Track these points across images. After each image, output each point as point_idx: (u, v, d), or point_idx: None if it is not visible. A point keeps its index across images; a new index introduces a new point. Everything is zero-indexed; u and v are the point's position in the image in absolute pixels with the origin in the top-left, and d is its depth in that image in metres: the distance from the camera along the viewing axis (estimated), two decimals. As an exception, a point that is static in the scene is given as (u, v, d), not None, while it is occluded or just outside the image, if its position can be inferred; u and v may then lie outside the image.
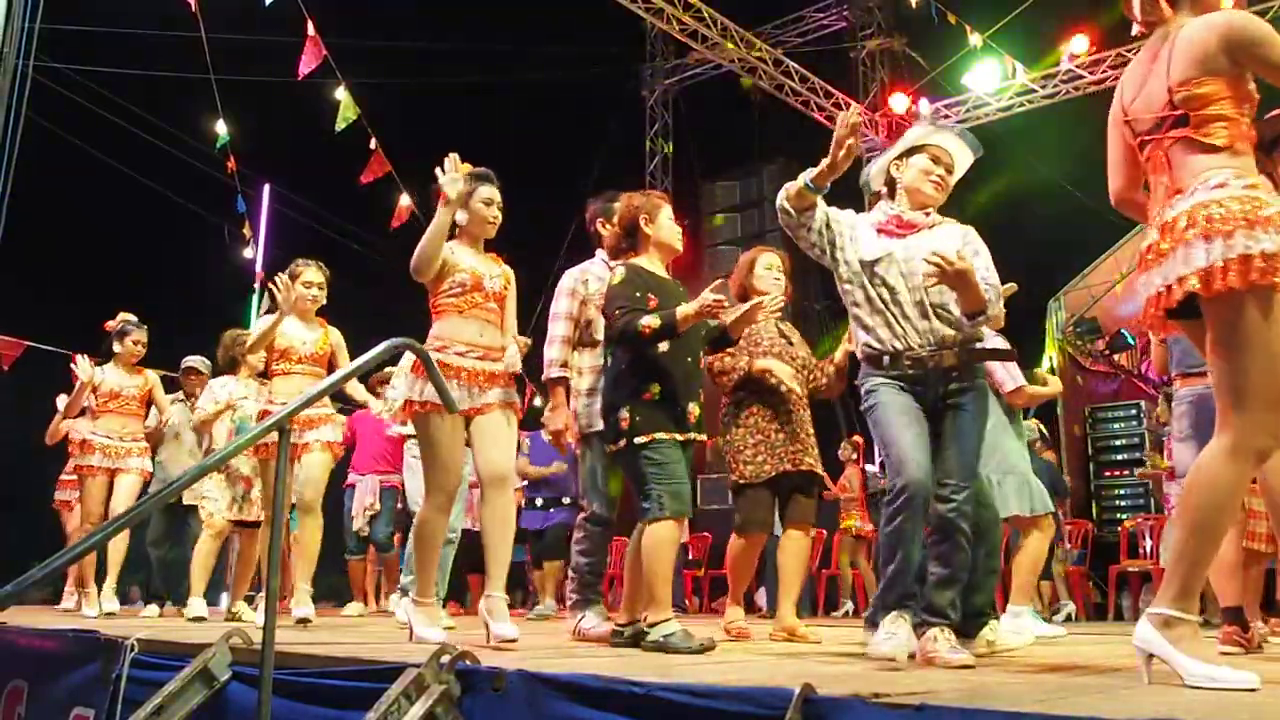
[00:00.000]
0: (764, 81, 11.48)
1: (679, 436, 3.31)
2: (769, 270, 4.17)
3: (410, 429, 5.24)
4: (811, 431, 4.17)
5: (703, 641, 3.08)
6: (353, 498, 7.26)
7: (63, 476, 7.02)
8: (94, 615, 5.33)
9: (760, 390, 4.05)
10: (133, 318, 5.83)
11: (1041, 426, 7.57)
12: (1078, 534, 8.36)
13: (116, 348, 5.72)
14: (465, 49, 10.93)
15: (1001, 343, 4.31)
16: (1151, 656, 2.13)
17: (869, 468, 8.70)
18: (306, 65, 8.05)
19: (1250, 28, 2.20)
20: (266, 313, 5.07)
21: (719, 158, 12.65)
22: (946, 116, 11.57)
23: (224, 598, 6.03)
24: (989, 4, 10.39)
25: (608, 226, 4.17)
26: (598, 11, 10.60)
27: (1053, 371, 7.95)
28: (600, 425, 3.95)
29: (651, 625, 3.17)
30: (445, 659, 2.23)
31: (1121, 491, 9.64)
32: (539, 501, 7.15)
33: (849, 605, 8.47)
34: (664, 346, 3.33)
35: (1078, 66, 10.61)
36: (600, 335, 4.01)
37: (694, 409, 3.39)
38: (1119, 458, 9.57)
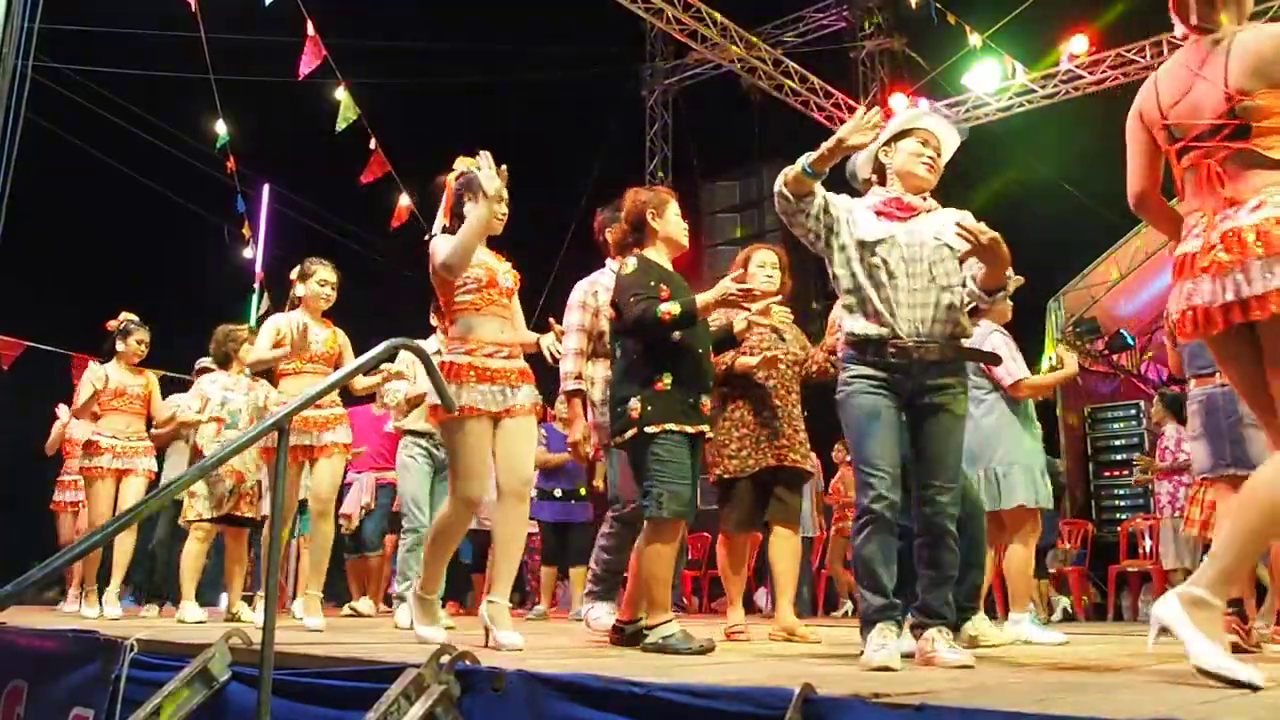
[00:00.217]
0: (763, 82, 11.48)
1: (690, 429, 3.25)
2: (762, 268, 4.19)
3: (413, 424, 5.24)
4: (801, 427, 4.17)
5: (702, 643, 3.08)
6: (347, 496, 7.23)
7: (63, 477, 6.97)
8: (94, 615, 5.32)
9: (745, 384, 4.04)
10: (135, 317, 5.80)
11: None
12: (1077, 534, 8.37)
13: (119, 346, 5.69)
14: (465, 49, 10.92)
15: (1002, 341, 4.33)
16: (1164, 631, 2.11)
17: None
18: (306, 65, 8.05)
19: None
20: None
21: (719, 158, 12.65)
22: (946, 116, 11.57)
23: (224, 598, 6.01)
24: (988, 4, 10.39)
25: (611, 235, 4.18)
26: (597, 11, 10.60)
27: (1052, 370, 7.93)
28: None
29: (651, 627, 3.16)
30: (445, 659, 2.23)
31: (1121, 491, 9.65)
32: (557, 493, 6.83)
33: (848, 605, 8.47)
34: (676, 336, 3.30)
35: (1077, 67, 10.60)
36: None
37: (706, 401, 3.35)
38: (1118, 458, 9.57)
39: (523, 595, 9.05)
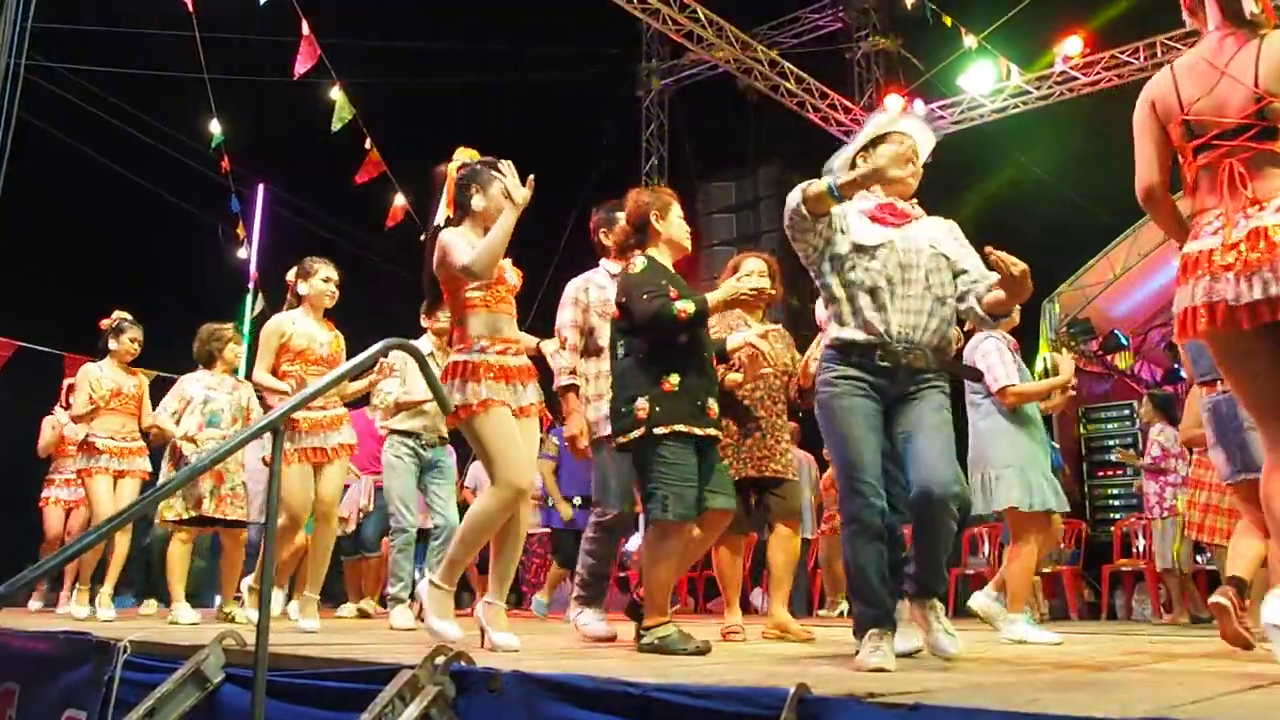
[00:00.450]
0: (759, 82, 11.48)
1: (698, 431, 3.22)
2: (750, 276, 4.18)
3: (399, 424, 5.21)
4: (785, 438, 4.19)
5: (699, 643, 3.09)
6: (344, 497, 7.21)
7: (52, 475, 6.84)
8: (84, 615, 5.29)
9: (730, 397, 4.02)
10: (128, 315, 5.74)
11: None
12: (1071, 534, 8.39)
13: (112, 345, 5.63)
14: (461, 49, 10.92)
15: (994, 347, 4.34)
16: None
17: None
18: (301, 65, 8.05)
19: None
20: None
21: (715, 158, 12.65)
22: (941, 117, 11.60)
23: (218, 599, 5.99)
24: (984, 5, 10.41)
25: (611, 236, 4.18)
26: (593, 12, 10.60)
27: (1045, 375, 7.94)
28: (609, 430, 3.97)
29: (648, 628, 3.17)
30: (440, 660, 2.23)
31: (1115, 491, 9.68)
32: (577, 500, 6.81)
33: (844, 606, 8.47)
34: (684, 338, 3.28)
35: (1072, 68, 10.63)
36: (604, 341, 4.02)
37: (714, 405, 3.31)
38: (1112, 458, 9.59)
39: (519, 597, 9.05)
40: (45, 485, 6.94)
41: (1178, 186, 2.57)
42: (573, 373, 4.08)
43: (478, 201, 3.40)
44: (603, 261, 4.25)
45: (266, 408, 5.22)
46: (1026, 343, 9.74)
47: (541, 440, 4.06)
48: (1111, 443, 9.68)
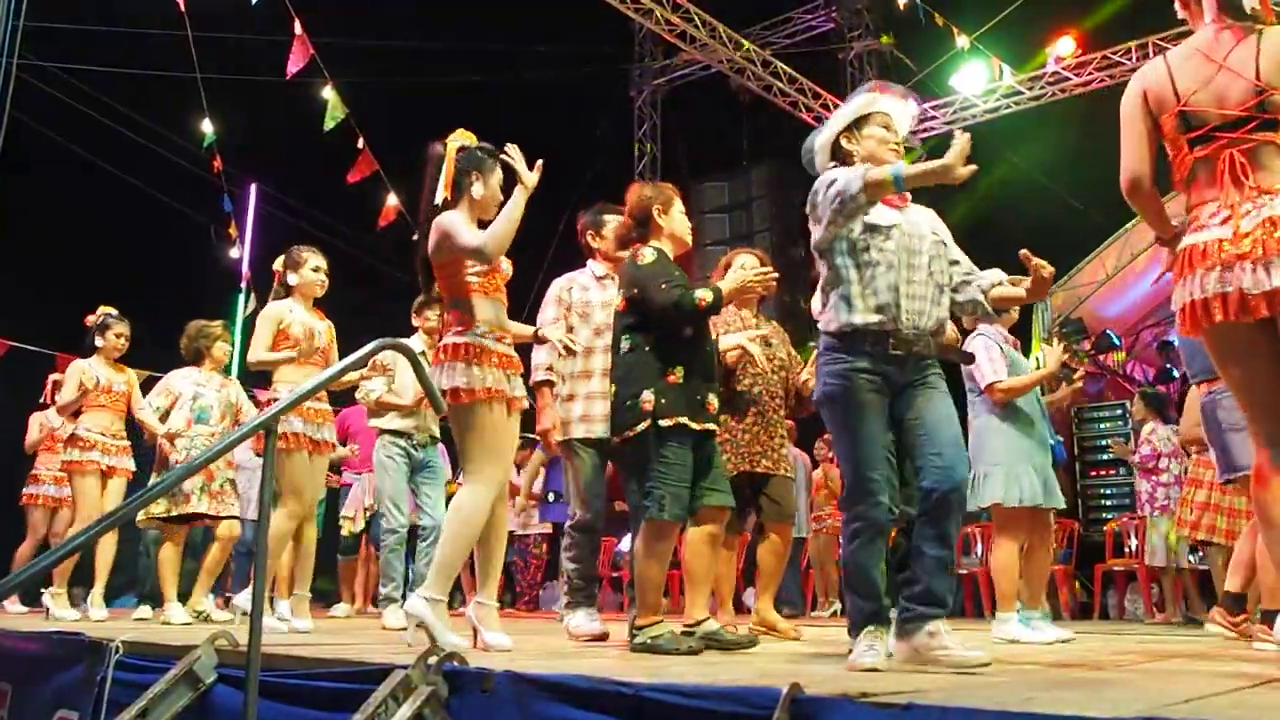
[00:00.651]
0: (752, 82, 11.49)
1: (696, 426, 3.21)
2: (742, 271, 4.19)
3: (390, 424, 5.19)
4: (781, 433, 4.20)
5: (691, 643, 3.09)
6: (347, 497, 7.19)
7: (38, 471, 6.72)
8: (74, 617, 5.25)
9: (729, 391, 4.05)
10: (114, 311, 5.66)
11: None
12: (1063, 533, 8.40)
13: (99, 341, 5.57)
14: (455, 48, 10.91)
15: (983, 345, 4.35)
16: None
17: None
18: (294, 65, 8.03)
19: None
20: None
21: (707, 158, 12.66)
22: (934, 118, 11.63)
23: (211, 598, 5.96)
24: (976, 6, 10.44)
25: (598, 239, 4.19)
26: (586, 12, 10.60)
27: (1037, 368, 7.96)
28: (581, 432, 3.97)
29: (640, 627, 3.17)
30: (433, 660, 2.22)
31: (1107, 491, 9.70)
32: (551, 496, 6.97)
33: (835, 606, 8.48)
34: (689, 331, 3.29)
35: (1064, 69, 10.66)
36: (579, 343, 4.03)
37: (714, 400, 3.31)
38: (1104, 458, 9.61)
39: (513, 596, 9.04)
40: (29, 482, 6.86)
41: (1167, 187, 2.56)
42: (549, 369, 4.09)
43: (477, 189, 3.34)
44: (589, 263, 4.25)
45: (260, 405, 5.20)
46: (1020, 341, 9.77)
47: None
48: (1104, 442, 9.70)
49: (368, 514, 7.00)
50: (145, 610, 5.65)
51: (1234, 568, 4.09)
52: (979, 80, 11.13)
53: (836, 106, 11.62)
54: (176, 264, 10.63)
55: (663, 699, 1.86)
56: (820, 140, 2.94)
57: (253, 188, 11.82)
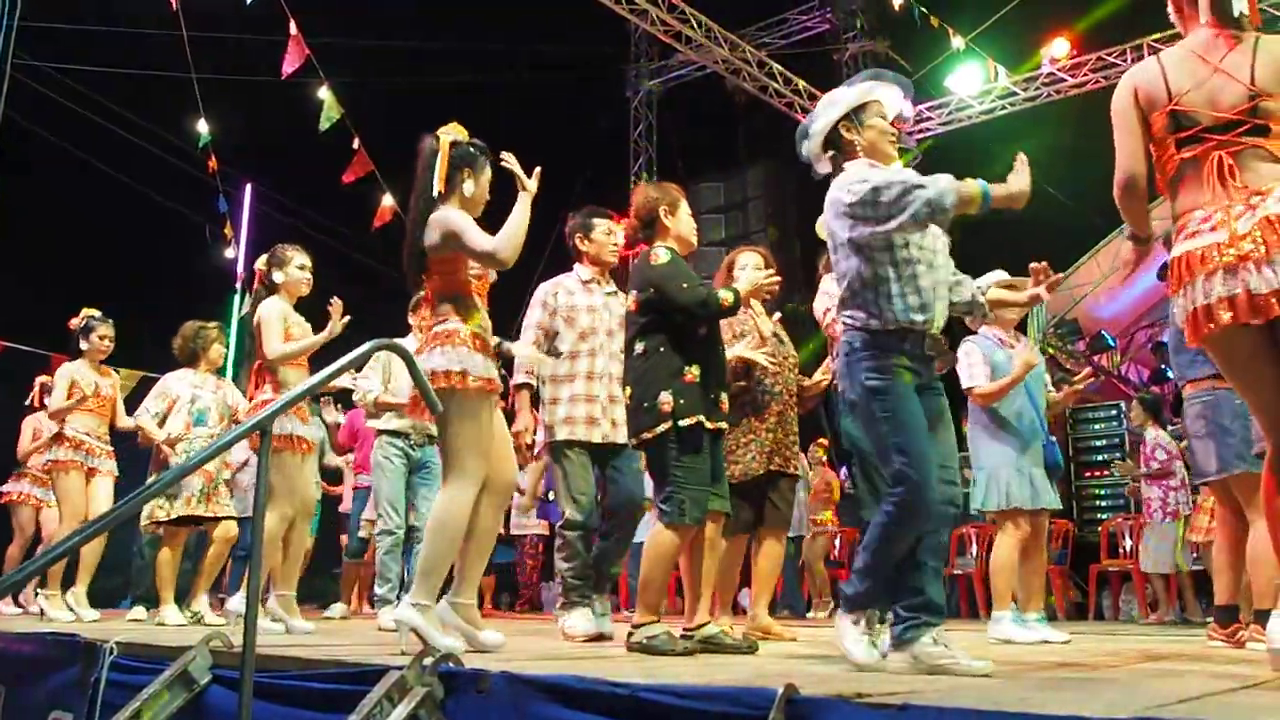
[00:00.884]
0: (747, 83, 11.50)
1: (710, 425, 3.23)
2: (743, 271, 4.19)
3: (388, 424, 5.18)
4: (795, 431, 4.21)
5: (687, 644, 3.09)
6: (358, 500, 7.12)
7: (29, 469, 6.71)
8: (70, 618, 5.23)
9: (750, 389, 4.06)
10: (97, 312, 5.63)
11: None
12: (1058, 534, 8.42)
13: (84, 345, 5.54)
14: (453, 49, 10.91)
15: (969, 348, 4.37)
16: None
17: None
18: (290, 65, 8.02)
19: None
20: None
21: (703, 159, 12.66)
22: (929, 119, 11.64)
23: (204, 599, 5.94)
24: (971, 7, 10.46)
25: (586, 242, 4.20)
26: (581, 13, 10.59)
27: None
28: (565, 434, 3.98)
29: (637, 626, 3.17)
30: (428, 661, 2.22)
31: (1102, 492, 9.70)
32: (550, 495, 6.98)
33: (832, 605, 8.49)
34: (703, 330, 3.30)
35: (1058, 70, 10.68)
36: (566, 346, 4.05)
37: (724, 398, 3.34)
38: (1099, 458, 9.63)
39: (513, 598, 9.03)
40: (14, 479, 6.79)
41: (1153, 195, 2.56)
42: (529, 372, 4.10)
43: (469, 186, 3.29)
44: (576, 266, 4.25)
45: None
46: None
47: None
48: (1099, 443, 9.72)
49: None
50: (140, 611, 5.63)
51: (1216, 578, 4.05)
52: (974, 81, 11.15)
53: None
54: (173, 264, 10.62)
55: (659, 699, 1.86)
56: (817, 126, 2.90)
57: (248, 188, 11.81)
